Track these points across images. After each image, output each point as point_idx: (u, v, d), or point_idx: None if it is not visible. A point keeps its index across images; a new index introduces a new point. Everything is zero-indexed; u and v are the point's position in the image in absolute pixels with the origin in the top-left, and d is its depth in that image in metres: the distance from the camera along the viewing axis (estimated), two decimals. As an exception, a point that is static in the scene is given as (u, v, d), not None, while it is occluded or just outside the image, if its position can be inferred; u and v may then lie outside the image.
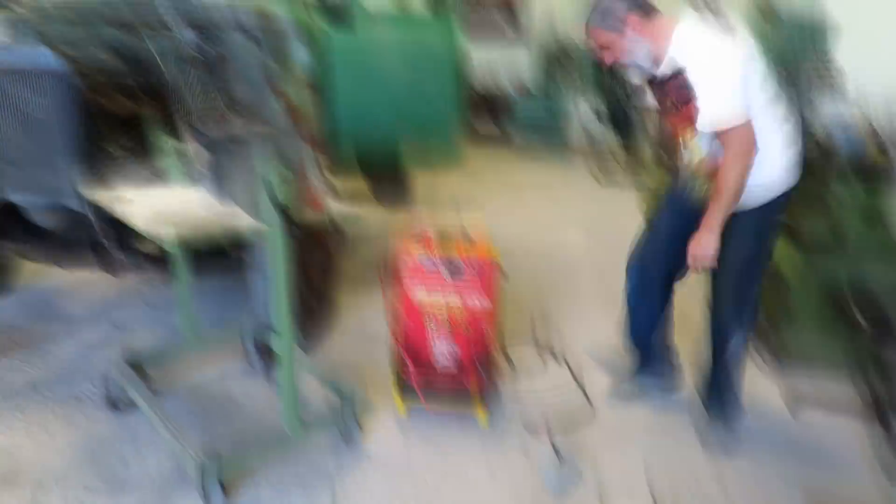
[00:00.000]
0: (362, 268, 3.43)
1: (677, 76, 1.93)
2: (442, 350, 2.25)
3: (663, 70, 1.97)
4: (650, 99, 2.16)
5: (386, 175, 5.13)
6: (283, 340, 1.77)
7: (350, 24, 3.34)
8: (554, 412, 2.38)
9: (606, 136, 8.37)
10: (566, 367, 2.75)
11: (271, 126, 1.89)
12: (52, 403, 2.31)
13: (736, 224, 1.98)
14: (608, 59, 2.02)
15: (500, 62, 10.48)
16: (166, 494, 1.86)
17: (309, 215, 1.80)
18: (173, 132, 2.52)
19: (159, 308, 3.17)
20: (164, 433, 1.87)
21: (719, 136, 1.90)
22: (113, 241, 2.24)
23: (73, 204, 2.23)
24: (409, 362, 2.24)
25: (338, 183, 2.61)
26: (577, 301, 3.61)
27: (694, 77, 1.89)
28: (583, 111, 9.32)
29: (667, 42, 1.92)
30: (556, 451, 2.06)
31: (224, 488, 1.74)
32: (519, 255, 4.36)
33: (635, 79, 2.18)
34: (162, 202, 1.91)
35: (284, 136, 1.67)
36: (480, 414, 2.30)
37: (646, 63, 1.99)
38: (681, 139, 2.12)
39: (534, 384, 2.60)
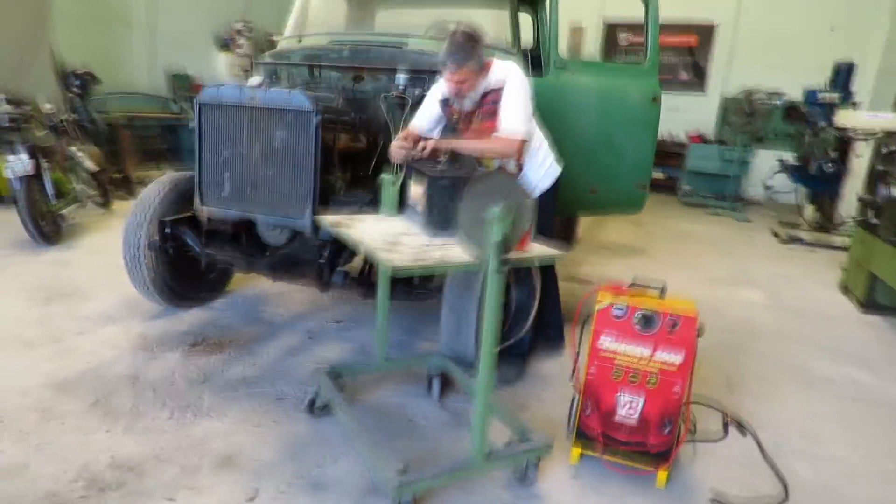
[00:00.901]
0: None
1: (492, 92, 2.57)
2: (626, 402, 2.20)
3: (483, 90, 2.57)
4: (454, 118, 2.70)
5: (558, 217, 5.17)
6: (484, 374, 1.84)
7: (546, 71, 3.47)
8: (741, 487, 2.21)
9: (794, 190, 7.75)
10: (754, 441, 2.54)
11: (495, 170, 2.02)
12: (259, 399, 2.59)
13: None
14: (460, 89, 2.52)
15: (675, 108, 10.20)
16: (359, 500, 2.00)
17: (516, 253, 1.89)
18: (386, 167, 2.79)
19: (343, 326, 3.45)
20: (360, 444, 2.02)
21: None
22: (327, 261, 2.51)
23: (303, 226, 2.54)
24: (590, 409, 2.22)
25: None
26: (762, 368, 3.34)
27: (505, 88, 2.53)
28: (766, 162, 8.74)
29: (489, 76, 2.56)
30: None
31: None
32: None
33: (466, 105, 2.63)
34: (379, 230, 2.10)
35: (508, 177, 1.75)
36: (660, 474, 2.21)
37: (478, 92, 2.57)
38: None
39: (717, 453, 2.44)
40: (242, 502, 1.97)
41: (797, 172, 6.73)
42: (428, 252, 1.84)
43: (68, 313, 3.33)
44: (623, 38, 10.37)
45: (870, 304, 4.46)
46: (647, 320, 2.14)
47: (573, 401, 2.41)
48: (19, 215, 4.33)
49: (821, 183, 6.48)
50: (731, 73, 9.90)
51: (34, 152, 4.39)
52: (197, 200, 2.75)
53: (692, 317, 2.13)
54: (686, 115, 10.14)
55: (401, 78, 2.98)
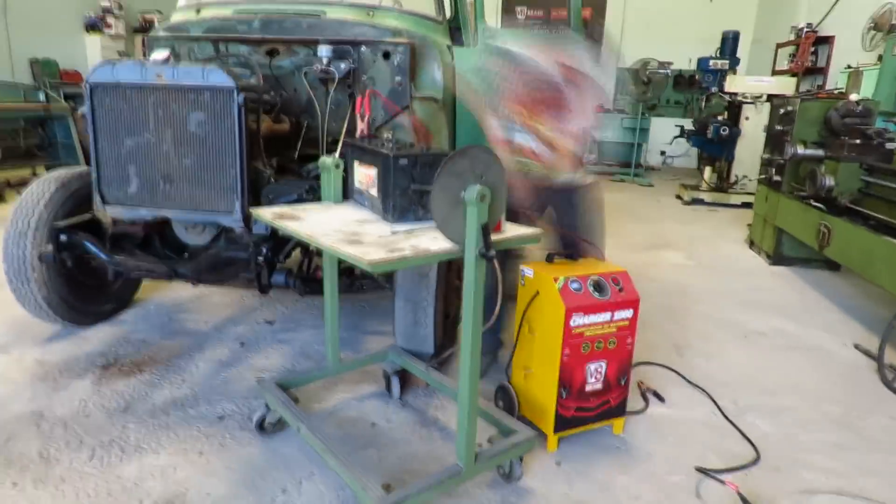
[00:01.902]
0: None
1: None
2: (594, 371, 2.15)
3: None
4: None
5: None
6: (467, 371, 1.66)
7: (470, 42, 3.29)
8: (715, 451, 2.21)
9: (687, 154, 8.15)
10: (710, 400, 2.57)
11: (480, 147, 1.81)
12: (196, 422, 2.26)
13: None
14: None
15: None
16: (334, 528, 1.78)
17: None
18: (318, 150, 2.50)
19: (277, 328, 3.14)
20: (330, 461, 1.78)
21: None
22: (266, 259, 2.21)
23: (233, 222, 2.21)
24: (565, 394, 2.12)
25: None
26: (702, 326, 3.41)
27: None
28: (660, 130, 9.14)
29: None
30: (742, 498, 1.89)
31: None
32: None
33: None
34: (334, 220, 1.84)
35: (484, 155, 1.56)
36: (616, 423, 2.29)
37: None
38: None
39: (684, 419, 2.43)
40: (200, 550, 1.67)
41: (695, 137, 7.06)
42: (398, 242, 1.61)
43: (-59, 345, 2.78)
44: (520, 10, 10.39)
45: (777, 257, 4.73)
46: (599, 286, 2.13)
47: (505, 388, 2.34)
48: None
49: (717, 146, 6.83)
50: (622, 46, 10.22)
51: None
52: (97, 201, 2.32)
53: (625, 272, 2.23)
54: (584, 87, 10.39)
55: (324, 51, 2.68)
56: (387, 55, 2.84)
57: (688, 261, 4.77)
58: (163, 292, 3.51)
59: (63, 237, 2.35)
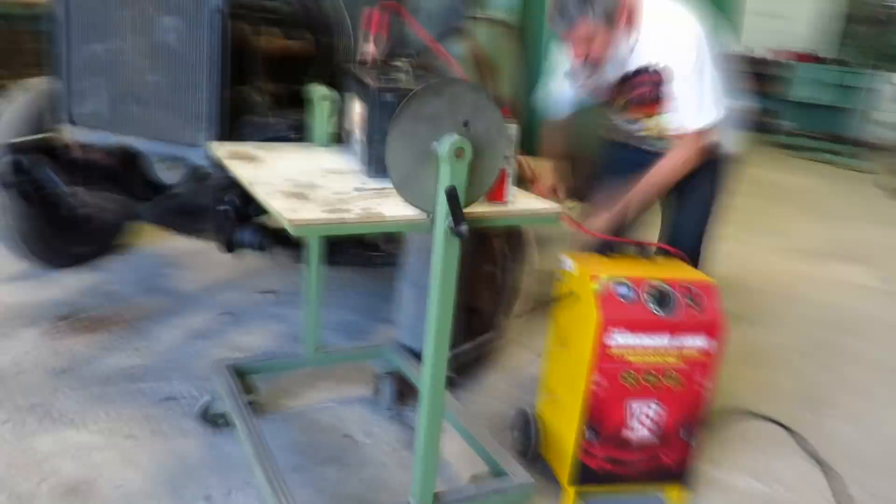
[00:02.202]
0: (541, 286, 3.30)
1: (648, 72, 2.26)
2: (640, 415, 2.06)
3: (633, 64, 2.28)
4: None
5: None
6: (432, 382, 1.66)
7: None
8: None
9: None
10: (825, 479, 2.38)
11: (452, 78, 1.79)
12: (143, 400, 2.45)
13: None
14: (587, 54, 2.21)
15: (773, 13, 9.73)
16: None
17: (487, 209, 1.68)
18: (329, 80, 2.56)
19: (277, 300, 3.30)
20: (257, 473, 1.86)
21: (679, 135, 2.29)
22: (234, 210, 2.32)
23: (197, 158, 2.35)
24: (593, 437, 2.05)
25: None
26: (863, 377, 3.19)
27: (673, 77, 2.20)
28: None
29: (638, 32, 2.21)
30: None
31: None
32: (769, 293, 3.98)
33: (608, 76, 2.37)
34: (296, 167, 1.90)
35: (472, 94, 1.53)
36: (674, 495, 2.20)
37: (624, 57, 2.26)
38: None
39: (774, 493, 2.28)
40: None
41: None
42: (350, 202, 1.63)
43: None
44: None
45: None
46: (662, 297, 2.01)
47: (525, 416, 2.32)
48: None
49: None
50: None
51: None
52: (63, 118, 2.55)
53: (713, 286, 2.09)
54: (790, 25, 9.66)
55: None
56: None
57: (875, 282, 4.42)
58: (158, 240, 3.79)
59: (21, 161, 2.61)
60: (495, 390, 2.76)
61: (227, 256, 3.67)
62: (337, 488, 2.13)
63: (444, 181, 1.50)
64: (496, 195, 1.74)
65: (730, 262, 4.39)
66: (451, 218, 1.51)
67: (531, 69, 3.18)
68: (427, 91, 1.51)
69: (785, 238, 5.09)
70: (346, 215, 1.54)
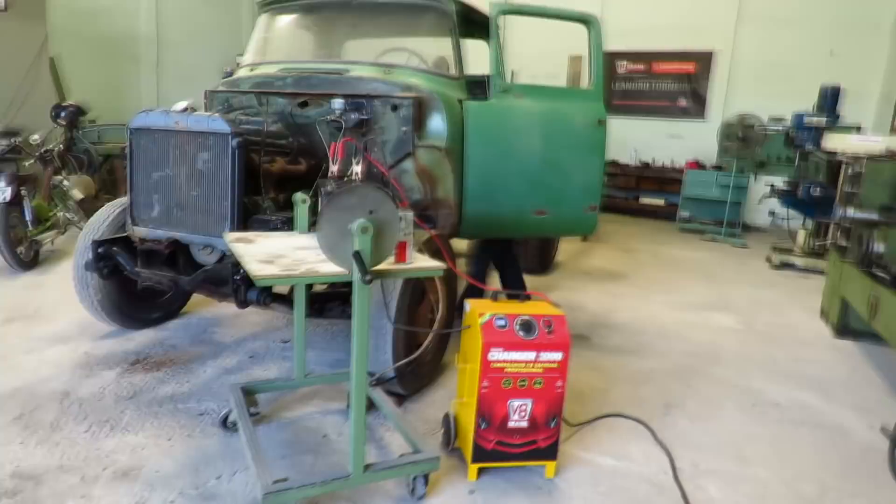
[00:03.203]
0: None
1: None
2: (517, 407, 2.26)
3: None
4: None
5: (525, 241, 5.23)
6: (356, 381, 1.90)
7: (486, 95, 3.57)
8: (642, 508, 2.20)
9: (790, 215, 7.64)
10: (669, 460, 2.53)
11: (367, 183, 2.11)
12: (180, 415, 2.68)
13: None
14: None
15: (676, 134, 10.26)
16: (244, 513, 2.06)
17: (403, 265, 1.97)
18: (314, 189, 2.90)
19: (290, 346, 3.53)
20: (247, 453, 2.08)
21: None
22: (244, 278, 2.60)
23: (223, 244, 2.65)
24: (486, 426, 2.25)
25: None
26: (711, 390, 3.31)
27: None
28: (764, 188, 8.68)
29: None
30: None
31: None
32: (653, 334, 4.15)
33: None
34: (275, 246, 2.20)
35: (372, 191, 1.84)
36: (549, 465, 2.36)
37: None
38: None
39: (630, 471, 2.44)
40: (128, 511, 2.04)
41: (786, 197, 6.67)
42: (301, 266, 1.92)
43: (23, 333, 3.49)
44: (621, 65, 10.50)
45: (843, 329, 4.39)
46: (527, 326, 2.24)
47: (448, 417, 2.48)
48: (-4, 240, 4.55)
49: (810, 207, 6.40)
50: (730, 100, 9.94)
51: (14, 181, 4.63)
52: (128, 222, 2.89)
53: (562, 316, 2.32)
54: (688, 143, 10.18)
55: (337, 103, 3.11)
56: (395, 108, 3.22)
57: (738, 325, 4.55)
58: (209, 308, 4.07)
59: (100, 249, 2.93)
60: (435, 401, 2.94)
61: (258, 317, 3.97)
62: (311, 468, 2.33)
63: (355, 247, 1.79)
64: (400, 258, 2.03)
65: (627, 313, 4.62)
66: (360, 272, 1.80)
67: (458, 178, 3.49)
68: (344, 192, 1.82)
69: (674, 295, 5.26)
70: (293, 272, 1.83)
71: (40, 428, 2.50)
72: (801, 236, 6.81)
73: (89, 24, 9.12)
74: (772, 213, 9.57)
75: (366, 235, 1.79)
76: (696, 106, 10.16)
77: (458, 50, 3.58)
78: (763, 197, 7.07)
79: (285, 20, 4.10)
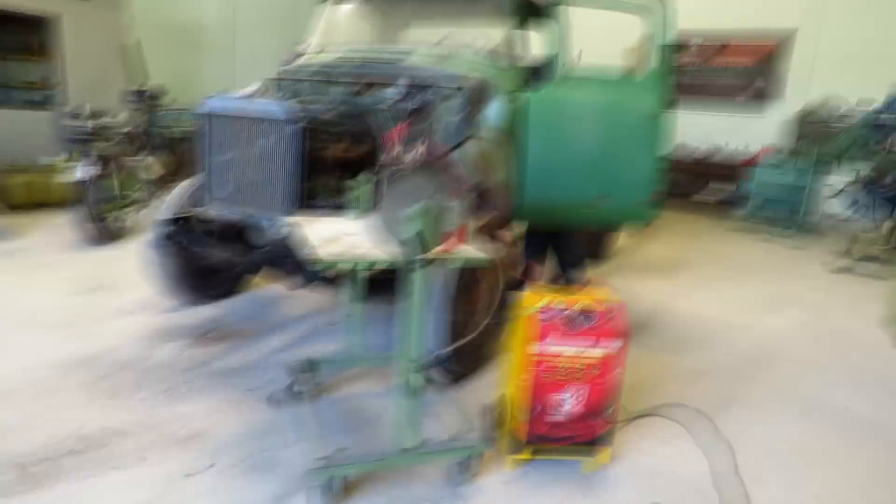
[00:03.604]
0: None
1: None
2: (570, 397, 2.23)
3: None
4: None
5: (579, 231, 5.13)
6: (407, 362, 1.92)
7: (548, 83, 3.51)
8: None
9: (861, 215, 7.17)
10: (731, 458, 2.44)
11: (425, 168, 2.11)
12: (235, 388, 2.78)
13: None
14: None
15: (740, 127, 9.78)
16: (297, 483, 2.12)
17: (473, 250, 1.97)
18: (372, 173, 2.93)
19: (337, 328, 3.60)
20: (303, 426, 2.14)
21: None
22: (293, 259, 2.65)
23: (277, 225, 2.72)
24: (529, 416, 2.24)
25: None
26: (762, 394, 3.18)
27: None
28: (836, 186, 8.17)
29: None
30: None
31: (340, 488, 1.95)
32: (701, 333, 4.00)
33: None
34: (333, 228, 2.23)
35: (430, 176, 1.84)
36: (602, 453, 2.32)
37: None
38: None
39: (673, 471, 2.37)
40: (201, 470, 2.14)
41: (871, 188, 6.21)
42: (355, 248, 1.95)
43: (100, 304, 3.69)
44: (689, 49, 10.06)
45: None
46: (575, 317, 2.20)
47: (497, 402, 2.48)
48: (81, 215, 4.83)
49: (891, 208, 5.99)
50: (811, 85, 9.29)
51: (100, 159, 4.91)
52: (205, 199, 3.01)
53: (622, 304, 2.27)
54: (764, 127, 9.58)
55: (390, 91, 3.13)
56: (452, 94, 3.21)
57: (789, 328, 4.32)
58: (262, 288, 4.18)
59: (168, 227, 3.06)
60: (487, 386, 2.93)
61: (315, 298, 4.06)
62: (365, 444, 2.38)
63: (413, 231, 1.80)
64: (452, 244, 2.03)
65: (678, 312, 4.47)
66: (417, 255, 1.81)
67: (518, 161, 3.46)
68: (401, 179, 1.84)
69: (734, 292, 5.07)
70: (353, 253, 1.86)
71: (109, 393, 2.65)
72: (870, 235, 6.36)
73: (169, 11, 9.51)
74: (854, 203, 8.88)
75: (423, 220, 1.80)
76: (772, 88, 9.57)
77: (517, 37, 3.52)
78: (841, 190, 6.61)
79: (347, 7, 4.14)
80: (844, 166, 8.03)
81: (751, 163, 8.68)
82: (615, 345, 2.21)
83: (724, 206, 9.12)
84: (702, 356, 3.61)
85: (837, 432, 2.82)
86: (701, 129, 9.86)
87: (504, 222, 3.33)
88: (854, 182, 6.42)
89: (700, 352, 3.68)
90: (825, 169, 7.91)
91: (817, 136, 7.72)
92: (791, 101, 9.29)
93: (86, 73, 6.56)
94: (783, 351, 3.85)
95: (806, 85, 9.33)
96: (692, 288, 5.14)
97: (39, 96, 6.89)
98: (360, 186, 2.56)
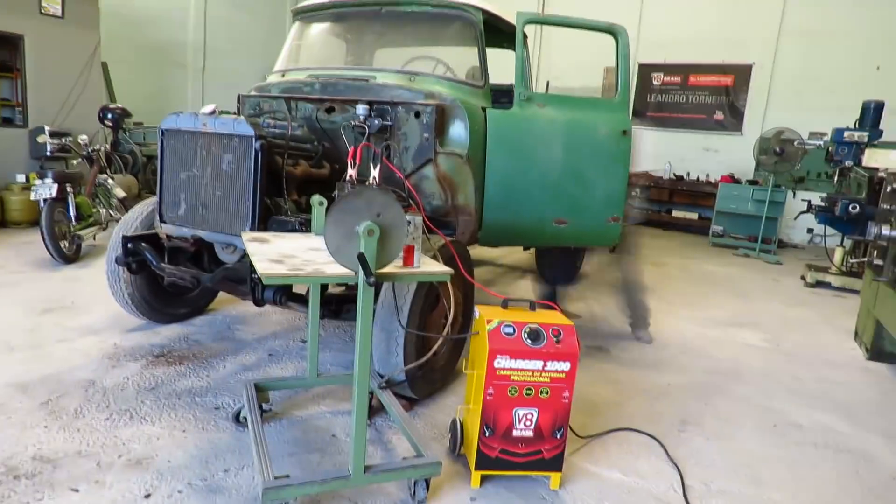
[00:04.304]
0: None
1: None
2: (522, 416, 2.23)
3: None
4: None
5: (549, 251, 5.18)
6: (358, 382, 1.90)
7: (511, 104, 3.56)
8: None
9: (827, 233, 7.36)
10: (680, 478, 2.45)
11: (375, 187, 2.11)
12: (196, 408, 2.72)
13: None
14: None
15: (710, 148, 10.04)
16: (247, 507, 2.08)
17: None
18: (333, 192, 2.93)
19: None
20: (252, 448, 2.10)
21: None
22: (258, 276, 2.63)
23: (240, 243, 2.70)
24: (490, 433, 2.22)
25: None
26: (730, 408, 3.20)
27: None
28: (801, 205, 8.39)
29: None
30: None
31: (288, 512, 1.90)
32: (675, 348, 4.05)
33: None
34: (288, 246, 2.22)
35: (379, 195, 1.84)
36: (554, 477, 2.31)
37: None
38: None
39: (639, 487, 2.37)
40: (139, 499, 2.07)
41: (823, 214, 6.43)
42: (308, 266, 1.94)
43: (58, 324, 3.61)
44: (657, 76, 10.34)
45: (877, 352, 4.19)
46: (535, 335, 2.20)
47: (454, 423, 2.46)
48: (41, 234, 4.74)
49: (847, 225, 6.16)
50: (768, 114, 9.68)
51: (60, 178, 4.82)
52: (156, 219, 2.97)
53: (571, 326, 2.27)
54: (723, 157, 9.96)
55: (360, 109, 3.14)
56: (417, 114, 3.24)
57: (765, 343, 4.40)
58: (234, 306, 4.14)
59: (129, 245, 3.02)
60: (446, 406, 2.92)
61: (280, 317, 4.02)
62: (316, 467, 2.34)
63: (359, 249, 1.79)
64: (408, 261, 2.03)
65: (653, 327, 4.51)
66: (364, 274, 1.81)
67: (479, 185, 3.49)
68: (351, 195, 1.83)
69: (702, 311, 5.14)
70: (299, 272, 1.84)
71: (64, 414, 2.58)
72: (839, 255, 6.56)
73: (139, 31, 9.47)
74: (810, 231, 9.29)
75: (371, 238, 1.79)
76: (733, 119, 9.93)
77: (483, 59, 3.57)
78: (800, 213, 6.83)
79: (316, 28, 4.17)
80: (805, 191, 8.32)
81: (715, 187, 8.94)
82: (564, 366, 2.21)
83: (701, 225, 9.34)
84: (671, 373, 3.63)
85: (800, 449, 2.85)
86: (667, 156, 10.12)
87: (467, 243, 3.34)
88: (808, 209, 6.62)
89: (670, 368, 3.70)
90: (784, 194, 8.16)
91: (774, 165, 7.96)
92: (749, 131, 9.61)
93: (51, 93, 6.48)
94: (755, 365, 3.90)
95: (760, 116, 9.68)
96: (669, 304, 5.20)
97: (13, 114, 6.79)
98: (319, 203, 2.55)
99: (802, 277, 6.72)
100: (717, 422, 3.04)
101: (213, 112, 2.76)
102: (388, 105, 3.27)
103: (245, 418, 2.56)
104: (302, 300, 2.78)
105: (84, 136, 5.68)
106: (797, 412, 3.24)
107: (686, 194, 9.73)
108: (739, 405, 3.27)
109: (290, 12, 11.83)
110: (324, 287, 2.72)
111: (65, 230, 4.92)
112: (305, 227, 2.70)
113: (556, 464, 2.30)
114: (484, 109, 3.48)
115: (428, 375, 2.87)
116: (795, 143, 7.76)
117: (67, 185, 4.92)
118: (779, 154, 7.59)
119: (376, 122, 3.16)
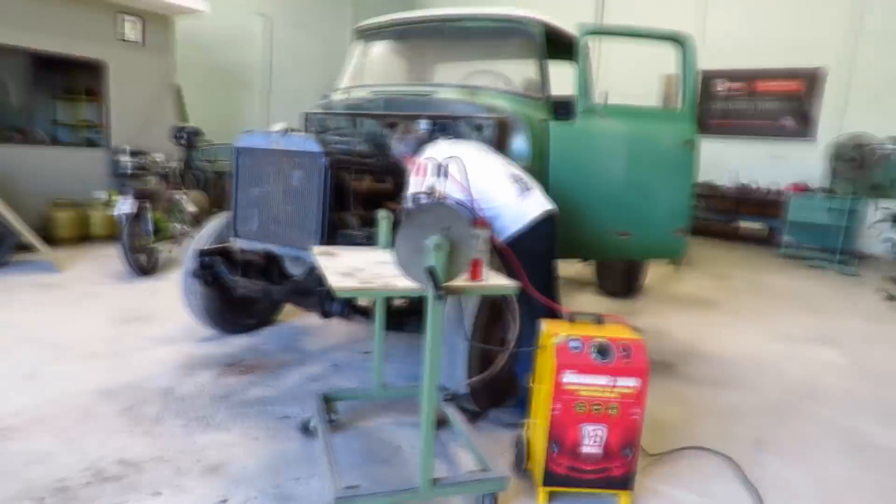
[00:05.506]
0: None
1: None
2: (590, 433, 2.18)
3: None
4: None
5: (609, 264, 5.09)
6: (427, 396, 1.91)
7: (574, 116, 3.53)
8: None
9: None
10: (751, 499, 2.34)
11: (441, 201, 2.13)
12: (266, 417, 2.80)
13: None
14: None
15: (775, 157, 9.63)
16: (318, 516, 2.12)
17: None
18: (397, 205, 2.97)
19: (371, 356, 3.60)
20: (322, 459, 2.14)
21: None
22: (325, 289, 2.69)
23: (308, 257, 2.77)
24: (557, 450, 2.19)
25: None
26: (808, 429, 3.04)
27: None
28: (878, 214, 7.93)
29: None
30: None
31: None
32: (746, 365, 3.89)
33: None
34: (356, 260, 2.26)
35: (448, 209, 1.86)
36: (623, 496, 2.24)
37: None
38: None
39: (696, 499, 2.28)
40: (215, 503, 2.15)
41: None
42: (377, 280, 1.97)
43: (138, 333, 3.80)
44: (722, 84, 10.02)
45: (971, 372, 3.89)
46: (603, 350, 2.15)
47: (520, 438, 2.44)
48: (121, 248, 5.01)
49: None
50: (842, 120, 9.19)
51: (138, 195, 5.10)
52: (231, 234, 3.09)
53: (641, 343, 2.21)
54: (791, 165, 9.50)
55: (422, 124, 3.19)
56: (478, 128, 3.26)
57: (842, 360, 4.16)
58: (298, 317, 4.25)
59: (204, 259, 3.15)
60: (510, 421, 2.90)
61: (342, 328, 4.10)
62: (382, 478, 2.36)
63: (428, 263, 1.81)
64: (474, 275, 2.03)
65: (718, 343, 4.35)
66: (432, 288, 1.82)
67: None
68: (420, 210, 1.86)
69: (772, 326, 4.91)
70: (369, 285, 1.87)
71: (145, 420, 2.70)
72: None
73: (210, 55, 9.93)
74: (891, 241, 8.74)
75: (439, 252, 1.81)
76: (802, 126, 9.48)
77: (543, 71, 3.57)
78: (877, 221, 6.44)
79: (378, 46, 4.27)
80: (884, 198, 7.85)
81: (782, 196, 8.56)
82: (634, 383, 2.16)
83: (769, 236, 8.96)
84: (743, 391, 3.49)
85: (887, 473, 2.68)
86: (731, 165, 9.76)
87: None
88: (883, 220, 6.25)
89: (741, 387, 3.56)
90: (861, 205, 7.73)
91: (850, 172, 7.57)
92: (821, 138, 9.15)
93: (130, 115, 6.88)
94: (833, 384, 3.70)
95: (837, 123, 9.20)
96: (737, 319, 5.02)
97: (94, 135, 7.23)
98: (384, 218, 2.59)
99: (884, 291, 6.33)
100: (795, 443, 2.89)
101: (283, 130, 2.85)
102: (448, 119, 3.30)
103: (314, 428, 2.61)
104: (365, 312, 2.83)
105: (161, 155, 5.99)
106: (884, 434, 3.04)
107: (753, 204, 9.35)
108: (819, 426, 3.10)
109: (350, 31, 12.17)
110: (388, 300, 2.76)
111: (142, 244, 5.18)
112: (371, 241, 2.74)
113: (625, 482, 2.24)
114: (545, 122, 3.46)
115: (491, 389, 2.86)
116: (874, 148, 7.35)
117: (144, 201, 5.19)
118: (856, 160, 7.20)
119: (437, 136, 3.20)
